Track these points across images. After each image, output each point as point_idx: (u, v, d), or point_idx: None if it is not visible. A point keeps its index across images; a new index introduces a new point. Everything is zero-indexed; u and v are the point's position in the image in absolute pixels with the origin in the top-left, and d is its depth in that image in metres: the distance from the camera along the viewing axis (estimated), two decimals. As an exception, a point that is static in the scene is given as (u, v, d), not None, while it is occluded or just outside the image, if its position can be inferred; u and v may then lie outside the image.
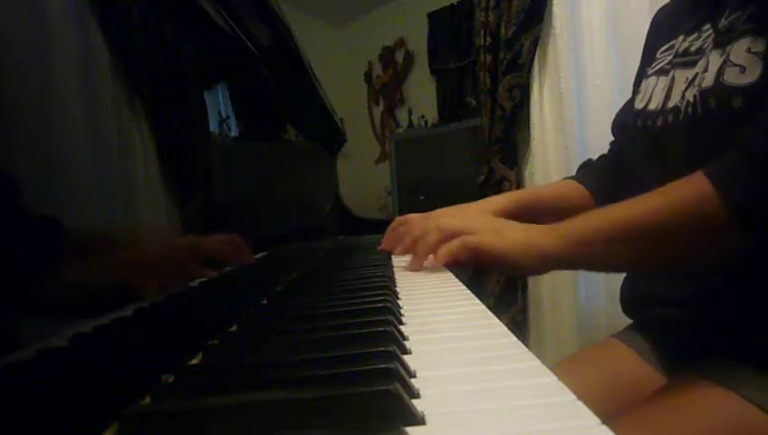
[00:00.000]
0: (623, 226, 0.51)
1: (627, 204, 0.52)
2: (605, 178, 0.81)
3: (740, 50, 0.52)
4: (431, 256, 0.60)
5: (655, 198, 0.51)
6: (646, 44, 0.78)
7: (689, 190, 0.49)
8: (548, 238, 0.54)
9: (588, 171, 0.86)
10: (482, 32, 1.84)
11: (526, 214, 0.78)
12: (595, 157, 0.88)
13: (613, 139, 0.84)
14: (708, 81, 0.54)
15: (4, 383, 0.29)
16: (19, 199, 0.44)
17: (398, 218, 0.85)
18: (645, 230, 0.50)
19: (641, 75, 0.73)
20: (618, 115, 0.83)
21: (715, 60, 0.54)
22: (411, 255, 0.66)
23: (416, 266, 0.63)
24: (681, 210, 0.49)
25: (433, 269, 0.62)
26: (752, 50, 0.51)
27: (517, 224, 0.59)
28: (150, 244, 0.62)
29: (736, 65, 0.52)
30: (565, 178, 0.88)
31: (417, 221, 0.73)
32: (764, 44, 0.50)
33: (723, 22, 0.56)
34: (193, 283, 0.69)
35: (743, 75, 0.51)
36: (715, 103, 0.53)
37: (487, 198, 0.83)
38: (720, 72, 0.53)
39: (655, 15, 0.79)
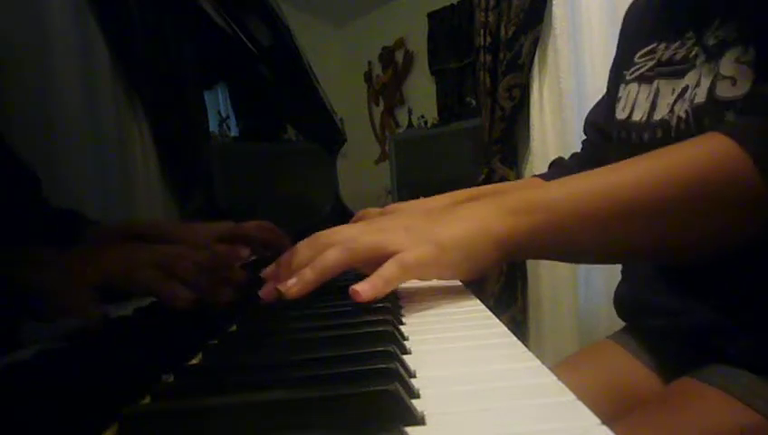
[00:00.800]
0: (621, 194, 0.40)
1: (619, 167, 0.41)
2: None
3: (729, 61, 0.49)
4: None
5: (658, 159, 0.40)
6: (620, 42, 0.75)
7: (707, 151, 0.39)
8: (497, 216, 0.41)
9: (557, 169, 0.83)
10: (482, 32, 1.84)
11: None
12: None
13: (585, 137, 0.82)
14: (701, 96, 0.52)
15: (4, 383, 0.29)
16: (17, 201, 0.44)
17: (360, 213, 0.77)
18: (653, 199, 0.39)
19: (618, 78, 0.70)
20: (590, 113, 0.81)
21: (706, 74, 0.52)
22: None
23: (290, 290, 0.41)
24: (698, 173, 0.38)
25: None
26: (741, 59, 0.48)
27: (453, 209, 0.44)
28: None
29: (726, 78, 0.49)
30: (533, 176, 0.86)
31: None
32: (753, 53, 0.47)
33: (711, 34, 0.53)
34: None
35: (734, 88, 0.48)
36: (709, 121, 0.50)
37: (447, 193, 0.77)
38: (712, 87, 0.50)
39: (626, 14, 0.75)
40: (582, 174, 0.43)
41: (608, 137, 0.72)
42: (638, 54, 0.66)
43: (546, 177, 0.81)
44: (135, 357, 0.33)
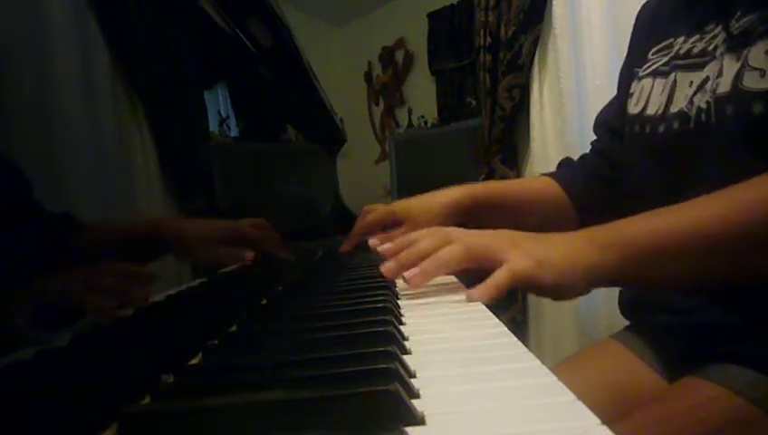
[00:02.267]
0: (688, 232, 0.44)
1: (691, 206, 0.45)
2: (586, 180, 0.78)
3: (758, 53, 0.49)
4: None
5: (717, 201, 0.44)
6: (632, 42, 0.75)
7: (755, 193, 0.42)
8: (589, 251, 0.45)
9: (567, 170, 0.83)
10: (482, 32, 1.84)
11: (486, 209, 0.75)
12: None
13: (595, 138, 0.81)
14: (725, 86, 0.52)
15: (5, 383, 0.29)
16: (17, 201, 0.44)
17: (367, 207, 0.80)
18: (710, 238, 0.43)
19: (630, 75, 0.70)
20: (601, 114, 0.80)
21: (730, 64, 0.52)
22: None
23: (420, 282, 0.47)
24: (748, 215, 0.42)
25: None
26: None
27: (551, 238, 0.48)
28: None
29: (755, 69, 0.49)
30: (542, 174, 0.85)
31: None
32: None
33: (735, 24, 0.53)
34: (193, 282, 0.69)
35: (762, 79, 0.48)
36: (733, 110, 0.50)
37: (454, 187, 0.77)
38: (738, 77, 0.50)
39: (640, 12, 0.76)
40: (662, 210, 0.47)
41: (619, 135, 0.72)
42: (651, 51, 0.66)
43: (557, 176, 0.81)
44: (135, 357, 0.33)
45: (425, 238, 0.49)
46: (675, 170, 0.59)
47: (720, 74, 0.53)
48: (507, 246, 0.46)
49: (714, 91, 0.53)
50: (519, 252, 0.45)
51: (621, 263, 0.45)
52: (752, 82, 0.49)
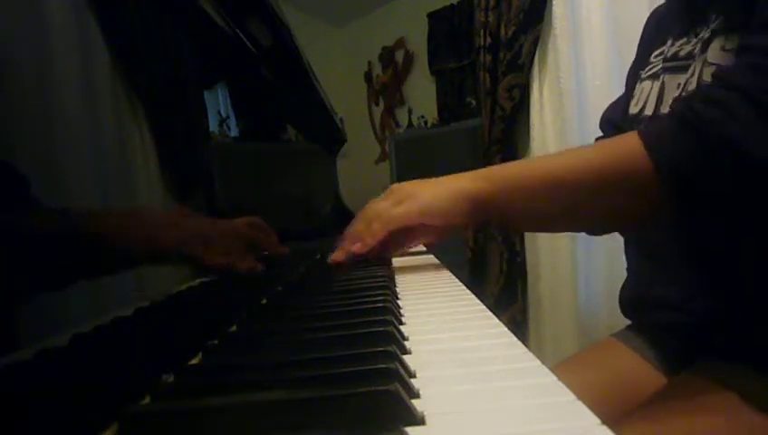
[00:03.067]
0: (550, 172, 0.51)
1: (555, 154, 0.52)
2: None
3: (715, 49, 0.52)
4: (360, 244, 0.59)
5: (587, 149, 0.51)
6: (639, 46, 0.78)
7: (620, 145, 0.49)
8: (470, 180, 0.53)
9: None
10: (482, 32, 1.84)
11: None
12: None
13: (601, 134, 0.84)
14: (692, 84, 0.55)
15: (5, 383, 0.29)
16: (17, 201, 0.44)
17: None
18: (572, 179, 0.49)
19: (635, 77, 0.73)
20: (607, 110, 0.83)
21: (699, 64, 0.55)
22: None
23: (337, 257, 0.61)
24: (609, 163, 0.48)
25: (432, 269, 0.62)
26: (726, 47, 0.51)
27: (438, 179, 0.57)
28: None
29: (712, 64, 0.52)
30: None
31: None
32: (736, 41, 0.50)
33: (707, 30, 0.56)
34: (193, 282, 0.69)
35: None
36: None
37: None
38: (701, 75, 0.53)
39: (648, 19, 0.79)
40: (536, 157, 0.56)
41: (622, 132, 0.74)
42: (653, 55, 0.68)
43: None
44: (135, 357, 0.33)
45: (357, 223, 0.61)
46: None
47: (693, 74, 0.56)
48: (390, 199, 0.57)
49: (687, 90, 0.56)
50: (396, 198, 0.56)
51: (493, 191, 0.52)
52: (709, 76, 0.52)
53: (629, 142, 0.47)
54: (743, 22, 0.50)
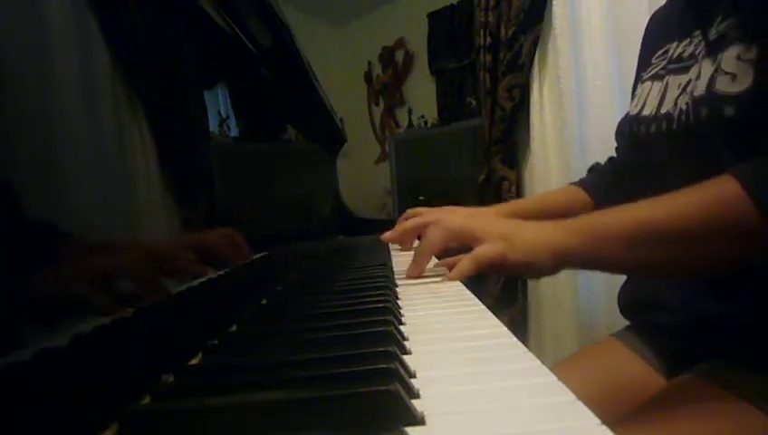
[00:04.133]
0: (648, 224, 0.49)
1: (651, 202, 0.50)
2: (605, 182, 0.81)
3: (731, 58, 0.51)
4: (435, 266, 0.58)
5: (682, 197, 0.48)
6: (641, 50, 0.78)
7: (718, 191, 0.46)
8: (559, 234, 0.52)
9: (591, 175, 0.87)
10: (482, 32, 1.84)
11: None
12: (597, 157, 0.89)
13: (616, 144, 0.85)
14: (700, 89, 0.54)
15: (5, 383, 0.29)
16: (17, 201, 0.44)
17: (410, 211, 0.84)
18: (672, 230, 0.48)
19: (637, 81, 0.73)
20: (619, 122, 0.83)
21: (706, 68, 0.54)
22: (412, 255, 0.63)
23: (414, 273, 0.59)
24: (710, 212, 0.46)
25: (432, 269, 0.62)
26: (742, 57, 0.50)
27: (526, 223, 0.56)
28: (147, 245, 0.62)
29: (728, 73, 0.51)
30: (570, 184, 0.88)
31: (426, 216, 0.71)
32: (755, 52, 0.49)
33: (713, 29, 0.55)
34: (193, 283, 0.69)
35: (734, 83, 0.50)
36: (707, 112, 0.53)
37: (494, 206, 0.82)
38: (712, 81, 0.53)
39: (649, 21, 0.79)
40: (623, 206, 0.52)
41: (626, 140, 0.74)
42: (654, 56, 0.68)
43: (584, 183, 0.84)
44: (135, 357, 0.33)
45: (435, 233, 0.59)
46: (663, 169, 0.61)
47: (698, 77, 0.55)
48: (483, 225, 0.55)
49: (692, 93, 0.55)
50: (491, 233, 0.54)
51: (586, 246, 0.51)
52: (724, 85, 0.51)
53: (729, 188, 0.45)
54: (760, 27, 0.49)
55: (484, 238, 0.53)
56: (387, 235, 0.79)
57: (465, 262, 0.53)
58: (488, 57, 1.83)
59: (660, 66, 0.66)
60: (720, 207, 0.46)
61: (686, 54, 0.61)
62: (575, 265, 0.53)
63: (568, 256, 0.51)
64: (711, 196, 0.47)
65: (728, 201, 0.45)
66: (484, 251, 0.52)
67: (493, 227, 0.55)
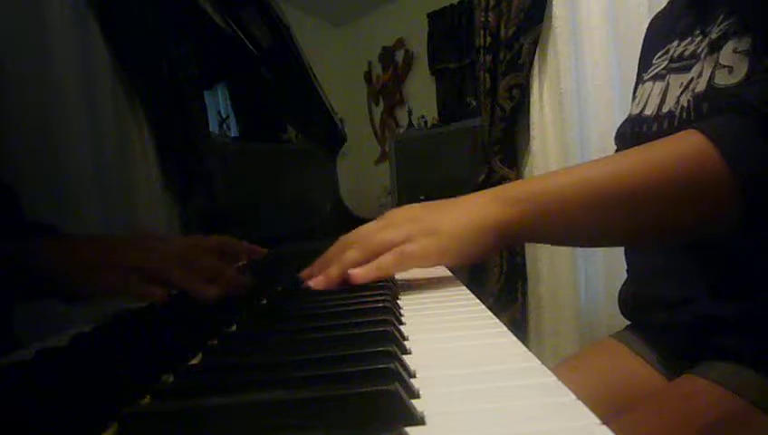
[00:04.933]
0: (604, 185, 0.43)
1: (604, 160, 0.45)
2: None
3: (728, 51, 0.52)
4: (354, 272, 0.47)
5: (640, 154, 0.44)
6: (642, 52, 0.78)
7: (683, 148, 0.42)
8: (498, 206, 0.45)
9: None
10: (482, 32, 1.84)
11: None
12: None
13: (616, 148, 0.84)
14: (701, 86, 0.54)
15: (5, 383, 0.29)
16: (18, 202, 0.44)
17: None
18: (632, 190, 0.42)
19: (638, 82, 0.73)
20: (620, 126, 0.83)
21: (707, 65, 0.55)
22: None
23: (318, 282, 0.48)
24: (675, 168, 0.42)
25: (432, 270, 0.62)
26: (738, 49, 0.51)
27: (457, 202, 0.48)
28: (150, 247, 0.61)
29: (725, 67, 0.52)
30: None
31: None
32: (749, 42, 0.50)
33: (715, 28, 0.56)
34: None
35: (731, 76, 0.51)
36: (708, 107, 0.53)
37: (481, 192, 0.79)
38: (711, 77, 0.53)
39: (649, 25, 0.79)
40: (571, 167, 0.47)
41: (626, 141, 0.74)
42: (655, 57, 0.69)
43: None
44: (135, 357, 0.33)
45: (330, 250, 0.51)
46: None
47: (700, 75, 0.55)
48: (405, 230, 0.47)
49: (693, 90, 0.55)
50: (417, 231, 0.46)
51: (529, 216, 0.44)
52: (722, 79, 0.51)
53: (693, 141, 0.42)
54: (757, 21, 0.50)
55: (410, 239, 0.46)
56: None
57: (386, 256, 0.46)
58: (488, 57, 1.83)
59: (662, 66, 0.66)
60: (686, 163, 0.42)
61: (687, 54, 0.61)
62: (518, 239, 0.46)
63: (509, 231, 0.45)
64: (675, 152, 0.43)
65: (695, 158, 0.42)
66: (411, 247, 0.45)
67: (417, 226, 0.47)
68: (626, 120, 0.82)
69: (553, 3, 1.63)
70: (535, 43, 1.71)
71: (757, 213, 0.41)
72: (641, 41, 0.79)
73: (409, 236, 0.46)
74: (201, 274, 0.45)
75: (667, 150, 0.43)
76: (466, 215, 0.46)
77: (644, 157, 0.43)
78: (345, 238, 0.51)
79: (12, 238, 0.42)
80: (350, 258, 0.47)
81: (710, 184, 0.41)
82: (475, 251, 0.46)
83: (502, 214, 0.45)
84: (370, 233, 0.49)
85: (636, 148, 0.45)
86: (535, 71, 1.74)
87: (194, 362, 0.33)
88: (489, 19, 1.81)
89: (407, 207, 0.52)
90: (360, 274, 0.46)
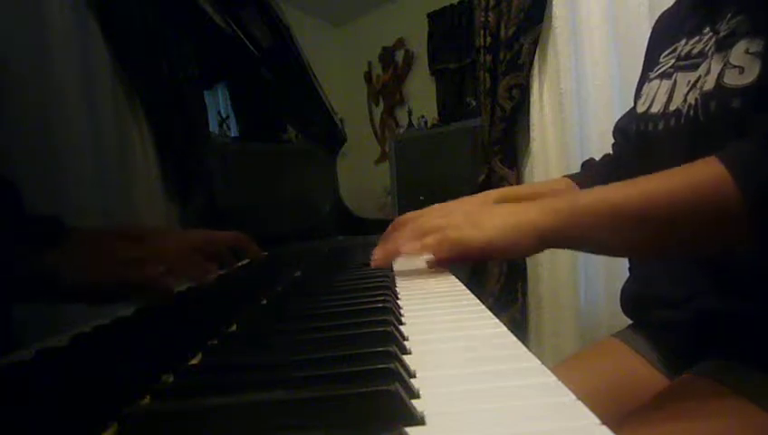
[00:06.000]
0: (637, 203, 0.47)
1: (639, 181, 0.49)
2: (600, 178, 0.80)
3: (739, 51, 0.52)
4: (407, 251, 0.56)
5: (670, 178, 0.48)
6: (648, 50, 0.78)
7: (705, 174, 0.46)
8: (540, 214, 0.50)
9: (585, 169, 0.87)
10: (482, 32, 1.84)
11: None
12: (597, 157, 0.89)
13: (614, 141, 0.85)
14: (709, 84, 0.54)
15: (5, 383, 0.29)
16: (20, 201, 0.44)
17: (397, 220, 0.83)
18: (660, 210, 0.47)
19: (643, 80, 0.73)
20: (620, 119, 0.83)
21: (716, 63, 0.55)
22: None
23: (378, 258, 0.60)
24: (697, 193, 0.46)
25: (432, 270, 0.62)
26: (750, 50, 0.51)
27: (504, 205, 0.55)
28: (160, 241, 0.62)
29: (736, 67, 0.52)
30: (564, 176, 0.88)
31: (403, 219, 0.67)
32: (762, 44, 0.50)
33: (724, 26, 0.56)
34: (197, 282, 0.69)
35: (741, 76, 0.51)
36: (716, 106, 0.53)
37: (485, 192, 0.80)
38: (720, 75, 0.53)
39: (655, 24, 0.79)
40: (605, 186, 0.51)
41: (630, 139, 0.74)
42: (662, 55, 0.68)
43: (576, 177, 0.84)
44: (135, 357, 0.33)
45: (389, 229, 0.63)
46: (670, 165, 0.60)
47: (708, 73, 0.55)
48: (458, 219, 0.54)
49: (701, 88, 0.55)
50: (468, 222, 0.53)
51: (568, 226, 0.49)
52: (732, 79, 0.52)
53: (713, 170, 0.45)
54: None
55: (457, 228, 0.53)
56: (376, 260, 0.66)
57: (430, 238, 0.54)
58: (488, 57, 1.83)
59: (669, 64, 0.65)
60: (706, 189, 0.45)
61: (695, 52, 0.60)
62: (558, 244, 0.52)
63: (549, 236, 0.50)
64: (698, 177, 0.46)
65: (714, 183, 0.45)
66: (452, 233, 0.53)
67: (468, 217, 0.54)
68: (626, 114, 0.82)
69: (553, 3, 1.63)
70: (535, 43, 1.71)
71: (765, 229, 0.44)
72: (641, 41, 0.79)
73: (458, 225, 0.53)
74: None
75: (689, 179, 0.47)
76: (512, 216, 0.51)
77: (668, 184, 0.48)
78: (399, 218, 0.63)
79: (14, 238, 0.42)
80: (403, 236, 0.57)
81: (726, 212, 0.45)
82: (515, 250, 0.51)
83: (542, 220, 0.50)
84: (422, 216, 0.59)
85: (661, 173, 0.48)
86: (535, 71, 1.74)
87: (194, 362, 0.33)
88: (489, 19, 1.81)
89: (458, 200, 0.62)
90: (407, 247, 0.55)
